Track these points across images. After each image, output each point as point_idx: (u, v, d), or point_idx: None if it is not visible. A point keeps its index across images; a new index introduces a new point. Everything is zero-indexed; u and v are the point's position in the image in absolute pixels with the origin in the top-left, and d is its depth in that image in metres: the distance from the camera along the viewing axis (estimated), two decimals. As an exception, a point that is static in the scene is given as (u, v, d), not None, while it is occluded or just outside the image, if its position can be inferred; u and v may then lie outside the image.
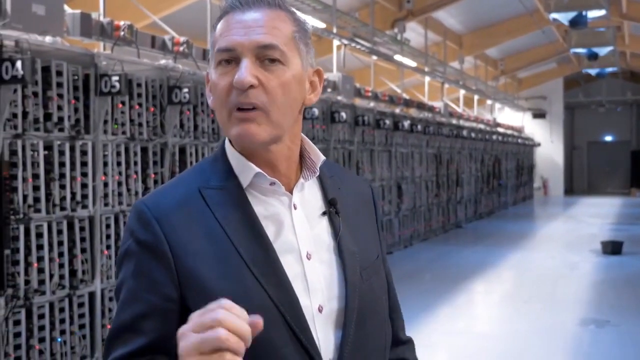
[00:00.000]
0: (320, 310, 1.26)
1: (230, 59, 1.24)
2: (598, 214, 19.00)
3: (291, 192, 1.31)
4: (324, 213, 1.34)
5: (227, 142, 1.34)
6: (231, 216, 1.25)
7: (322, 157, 1.34)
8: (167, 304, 1.21)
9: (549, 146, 26.73)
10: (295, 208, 1.30)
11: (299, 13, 1.34)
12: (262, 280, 1.22)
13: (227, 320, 0.97)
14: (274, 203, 1.29)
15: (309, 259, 1.28)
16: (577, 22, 12.06)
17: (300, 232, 1.29)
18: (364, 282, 1.32)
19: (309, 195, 1.34)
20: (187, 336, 0.98)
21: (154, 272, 1.22)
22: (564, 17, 12.08)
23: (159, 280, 1.21)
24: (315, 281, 1.27)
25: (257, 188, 1.29)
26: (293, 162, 1.32)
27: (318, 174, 1.34)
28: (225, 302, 0.99)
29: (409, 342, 1.55)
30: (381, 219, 1.50)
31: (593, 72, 19.30)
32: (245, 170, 1.28)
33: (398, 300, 1.52)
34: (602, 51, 15.61)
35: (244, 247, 1.23)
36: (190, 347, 0.97)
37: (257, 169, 1.27)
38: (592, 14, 12.09)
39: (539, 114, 26.88)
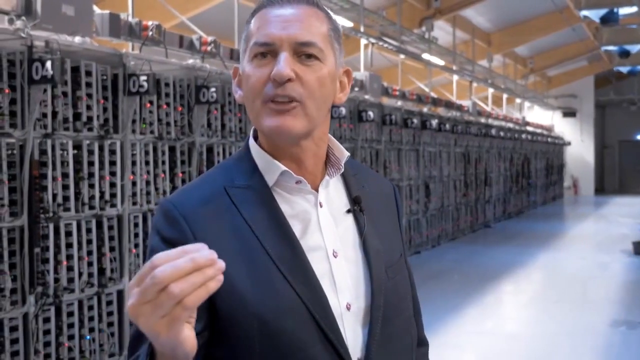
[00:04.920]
0: (348, 308, 1.26)
1: (267, 52, 1.24)
2: (629, 213, 18.71)
3: (317, 190, 1.30)
4: (348, 211, 1.33)
5: (251, 140, 1.34)
6: (258, 215, 1.25)
7: (347, 154, 1.34)
8: None
9: (579, 145, 26.40)
10: (321, 206, 1.29)
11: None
12: (290, 279, 1.21)
13: (159, 258, 0.92)
14: (300, 201, 1.29)
15: (335, 257, 1.27)
16: (608, 19, 11.90)
17: (327, 230, 1.28)
18: (389, 280, 1.32)
19: (333, 192, 1.34)
20: (130, 296, 0.94)
21: None
22: (594, 14, 11.93)
23: None
24: (342, 279, 1.26)
25: (282, 187, 1.28)
26: (320, 159, 1.32)
27: (343, 170, 1.34)
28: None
29: (427, 346, 1.54)
30: (402, 218, 1.50)
31: (624, 69, 19.04)
32: (271, 168, 1.28)
33: (419, 301, 1.51)
34: (634, 48, 15.39)
35: (272, 246, 1.22)
36: (135, 303, 0.92)
37: (283, 167, 1.27)
38: (624, 10, 11.93)
39: (569, 113, 26.57)
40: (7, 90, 4.33)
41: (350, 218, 1.33)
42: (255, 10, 1.30)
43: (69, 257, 4.75)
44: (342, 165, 1.33)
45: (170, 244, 1.20)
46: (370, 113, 9.28)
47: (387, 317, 1.28)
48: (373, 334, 1.26)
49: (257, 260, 1.22)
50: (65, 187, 4.75)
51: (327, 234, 1.28)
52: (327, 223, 1.29)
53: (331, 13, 1.34)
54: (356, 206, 1.34)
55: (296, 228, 1.26)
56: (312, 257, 1.24)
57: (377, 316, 1.27)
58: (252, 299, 1.19)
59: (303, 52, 1.24)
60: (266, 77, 1.23)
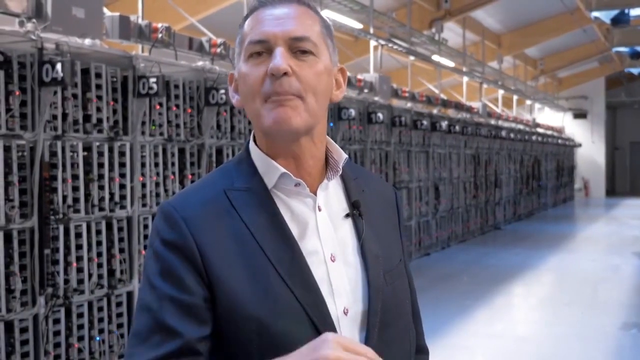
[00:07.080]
0: (345, 312, 1.25)
1: (262, 50, 1.25)
2: (641, 215, 18.64)
3: (315, 194, 1.30)
4: (347, 215, 1.33)
5: (251, 143, 1.34)
6: (257, 218, 1.25)
7: (345, 156, 1.34)
8: (197, 302, 1.19)
9: (590, 147, 26.30)
10: (319, 210, 1.29)
11: (333, 14, 1.34)
12: (289, 282, 1.21)
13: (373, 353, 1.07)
14: (299, 205, 1.29)
15: (333, 261, 1.27)
16: (619, 21, 11.87)
17: (325, 234, 1.28)
18: (387, 286, 1.31)
19: (333, 196, 1.33)
20: (333, 348, 1.06)
21: (182, 271, 1.20)
22: (605, 16, 11.89)
23: (187, 279, 1.20)
24: (339, 283, 1.26)
25: (282, 190, 1.29)
26: (319, 160, 1.32)
27: (341, 172, 1.33)
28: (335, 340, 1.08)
29: (427, 354, 1.53)
30: (403, 223, 1.49)
31: (635, 71, 18.99)
32: (271, 171, 1.28)
33: (419, 307, 1.50)
34: (645, 50, 15.32)
35: (271, 249, 1.22)
36: None
37: (283, 170, 1.27)
38: (635, 12, 11.88)
39: (579, 114, 26.48)
40: (17, 92, 4.35)
41: (349, 222, 1.33)
42: (247, 14, 1.31)
43: (79, 259, 4.77)
44: (340, 167, 1.33)
45: (171, 246, 1.22)
46: (380, 115, 9.27)
47: (384, 322, 1.28)
48: (370, 338, 1.26)
49: (257, 263, 1.22)
50: (75, 189, 4.77)
51: (325, 238, 1.28)
52: (325, 227, 1.29)
53: (321, 12, 1.35)
54: (355, 211, 1.33)
55: (294, 232, 1.26)
56: (310, 261, 1.24)
57: (374, 321, 1.27)
58: (250, 302, 1.19)
59: (298, 48, 1.24)
60: (263, 74, 1.23)
